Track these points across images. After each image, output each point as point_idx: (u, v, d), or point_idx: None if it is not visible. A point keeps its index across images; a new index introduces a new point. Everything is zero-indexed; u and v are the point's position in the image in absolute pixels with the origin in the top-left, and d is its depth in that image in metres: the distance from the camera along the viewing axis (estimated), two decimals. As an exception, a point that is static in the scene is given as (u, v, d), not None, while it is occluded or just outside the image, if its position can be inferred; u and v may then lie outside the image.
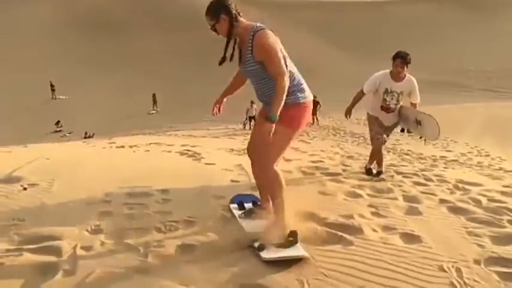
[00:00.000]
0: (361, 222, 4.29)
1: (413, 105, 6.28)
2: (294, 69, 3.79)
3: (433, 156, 16.05)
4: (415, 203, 5.12)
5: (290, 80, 3.62)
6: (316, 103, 22.62)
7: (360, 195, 5.34)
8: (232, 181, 5.95)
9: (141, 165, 7.22)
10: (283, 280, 3.13)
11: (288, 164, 8.17)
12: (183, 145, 15.27)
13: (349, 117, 6.58)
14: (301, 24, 44.12)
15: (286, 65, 3.59)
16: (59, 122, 27.78)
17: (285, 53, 3.70)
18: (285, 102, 3.47)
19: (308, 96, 3.76)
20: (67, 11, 42.08)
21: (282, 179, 3.73)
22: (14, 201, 4.72)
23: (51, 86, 31.87)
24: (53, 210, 4.47)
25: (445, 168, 10.09)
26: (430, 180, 6.62)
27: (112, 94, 32.90)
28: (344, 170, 7.28)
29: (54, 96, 32.04)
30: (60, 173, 5.96)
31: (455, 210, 4.93)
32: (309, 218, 4.35)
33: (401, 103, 6.30)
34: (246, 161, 7.61)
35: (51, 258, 3.44)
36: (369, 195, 5.43)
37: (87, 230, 3.98)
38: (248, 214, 4.22)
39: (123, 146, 13.50)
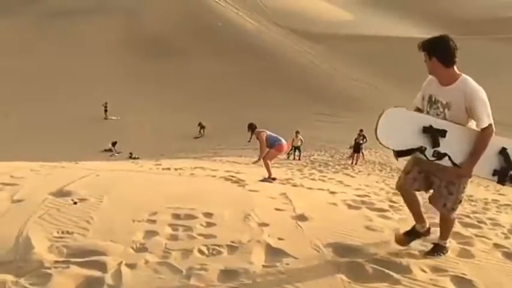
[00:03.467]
0: (410, 262, 4.09)
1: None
2: None
3: (484, 199, 15.32)
4: (468, 245, 4.85)
5: None
6: (362, 137, 22.31)
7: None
8: (276, 209, 5.87)
9: (186, 187, 7.29)
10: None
11: (333, 196, 8.04)
12: (227, 171, 15.39)
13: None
14: (351, 56, 44.18)
15: None
16: (115, 143, 28.83)
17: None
18: None
19: None
20: (128, 33, 44.15)
21: None
22: (64, 214, 4.86)
23: (105, 106, 33.32)
24: (100, 225, 4.56)
25: (498, 212, 9.59)
26: (483, 223, 6.29)
27: (162, 116, 33.88)
28: (391, 206, 7.05)
29: (106, 117, 33.40)
30: (109, 190, 6.11)
31: (511, 256, 4.63)
32: (356, 252, 4.20)
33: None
34: (291, 191, 7.56)
35: (97, 273, 3.48)
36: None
37: (133, 248, 4.02)
38: None
39: (168, 168, 13.78)
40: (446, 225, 4.19)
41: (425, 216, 4.36)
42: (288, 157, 23.13)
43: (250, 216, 5.23)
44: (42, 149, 25.53)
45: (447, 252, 4.24)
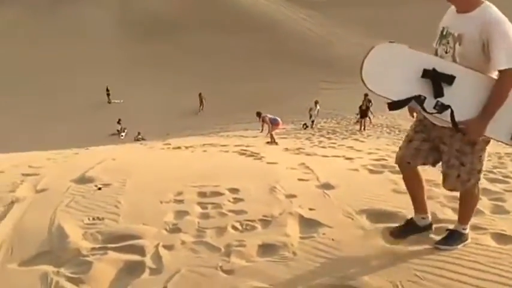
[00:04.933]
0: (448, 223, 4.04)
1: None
2: None
3: (497, 153, 15.26)
4: (500, 201, 4.81)
5: None
6: (368, 101, 22.12)
7: (438, 195, 5.05)
8: (299, 180, 5.83)
9: (205, 165, 7.25)
10: (375, 282, 2.98)
11: (351, 162, 7.98)
12: (237, 145, 15.36)
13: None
14: (349, 22, 43.45)
15: None
16: (119, 120, 28.85)
17: None
18: None
19: None
20: (123, 14, 43.55)
21: None
22: (91, 200, 4.83)
23: (107, 90, 33.17)
24: (129, 209, 4.53)
25: (515, 165, 9.52)
26: (508, 177, 6.25)
27: (164, 95, 33.72)
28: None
29: (109, 101, 33.28)
30: (129, 173, 6.07)
31: (545, 208, 4.58)
32: (390, 216, 4.16)
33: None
34: (308, 160, 7.50)
35: (136, 257, 3.46)
36: (446, 196, 5.11)
37: (166, 229, 3.99)
38: None
39: (179, 147, 13.73)
40: (466, 205, 3.33)
41: (428, 206, 3.52)
42: (305, 128, 22.92)
43: (276, 189, 5.19)
44: (50, 137, 25.52)
45: (466, 240, 3.43)
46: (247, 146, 13.23)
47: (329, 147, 16.16)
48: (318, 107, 23.03)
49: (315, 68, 38.22)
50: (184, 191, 5.11)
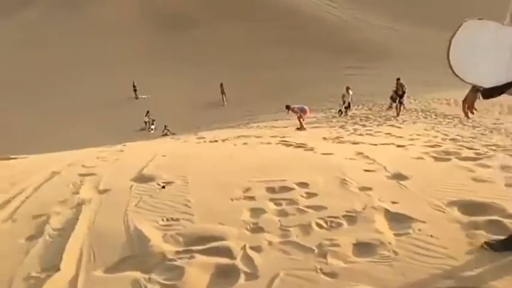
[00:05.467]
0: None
1: None
2: None
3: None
4: None
5: None
6: (401, 86, 21.53)
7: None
8: (366, 170, 5.57)
9: (259, 158, 7.05)
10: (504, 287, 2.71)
11: (406, 150, 7.68)
12: (273, 136, 15.13)
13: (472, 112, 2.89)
14: (371, 5, 42.56)
15: None
16: (148, 112, 28.99)
17: None
18: None
19: None
20: (144, 9, 43.66)
21: None
22: (159, 200, 4.67)
23: (134, 86, 33.29)
24: (201, 208, 4.35)
25: None
26: None
27: (188, 88, 33.76)
28: (478, 154, 6.65)
29: (136, 96, 33.42)
30: (186, 170, 5.91)
31: None
32: (484, 208, 3.87)
33: None
34: (365, 150, 7.22)
35: (225, 260, 3.27)
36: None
37: (247, 229, 3.80)
38: None
39: (216, 141, 13.58)
40: None
41: None
42: (340, 114, 22.53)
43: (346, 182, 4.95)
44: (82, 136, 25.77)
45: None
46: (283, 137, 13.03)
47: (367, 134, 15.80)
48: (351, 93, 22.53)
49: (338, 53, 37.61)
50: (252, 187, 4.91)
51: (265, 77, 34.68)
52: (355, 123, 20.48)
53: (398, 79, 22.53)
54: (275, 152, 7.82)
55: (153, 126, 30.20)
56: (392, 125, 19.20)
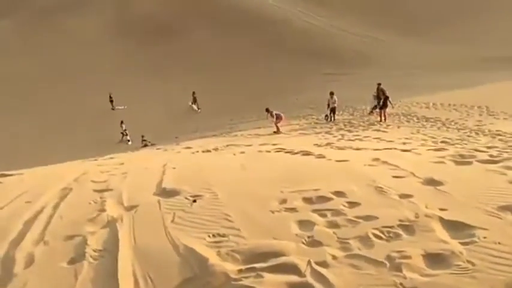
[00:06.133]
0: None
1: None
2: None
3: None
4: None
5: None
6: (382, 91, 21.69)
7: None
8: (395, 177, 5.49)
9: (277, 167, 6.87)
10: None
11: (419, 155, 7.68)
12: (262, 144, 14.97)
13: None
14: (346, 12, 43.19)
15: None
16: (122, 122, 28.25)
17: None
18: None
19: None
20: (120, 19, 42.95)
21: None
22: (195, 215, 4.46)
23: (110, 97, 32.55)
24: (244, 222, 4.17)
25: None
26: None
27: (168, 98, 33.23)
28: (492, 156, 6.69)
29: (113, 107, 32.65)
30: (208, 181, 5.71)
31: None
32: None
33: None
34: (380, 155, 7.17)
35: (295, 278, 3.12)
36: None
37: (303, 243, 3.64)
38: None
39: (209, 150, 13.34)
40: None
41: None
42: (327, 120, 22.52)
43: (382, 189, 4.86)
44: (59, 147, 24.94)
45: None
46: (277, 144, 12.90)
47: (356, 139, 15.83)
48: (336, 98, 22.58)
49: (316, 61, 37.87)
50: (287, 198, 4.76)
51: (243, 86, 34.61)
52: (340, 129, 20.52)
53: (379, 84, 22.71)
54: (288, 161, 7.67)
55: (128, 137, 29.46)
56: (377, 130, 19.33)
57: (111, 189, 5.72)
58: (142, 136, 28.21)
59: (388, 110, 22.85)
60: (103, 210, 4.76)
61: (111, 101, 32.70)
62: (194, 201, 4.89)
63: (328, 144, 13.85)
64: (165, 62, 38.51)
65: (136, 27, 41.83)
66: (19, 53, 39.12)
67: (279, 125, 19.82)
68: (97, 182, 6.35)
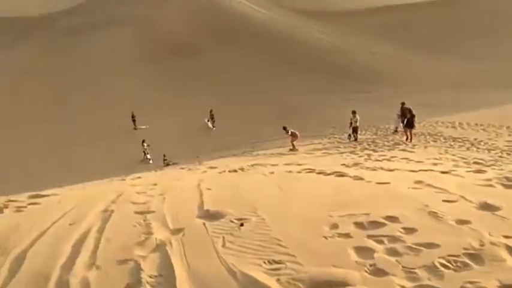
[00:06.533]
0: None
1: None
2: None
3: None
4: None
5: None
6: (409, 110, 21.45)
7: None
8: (446, 201, 5.30)
9: (314, 190, 6.74)
10: None
11: (462, 177, 7.46)
12: (287, 164, 14.83)
13: None
14: (361, 29, 43.23)
15: None
16: (144, 141, 28.37)
17: None
18: None
19: None
20: (142, 40, 43.77)
21: None
22: (245, 239, 4.35)
23: (133, 117, 32.80)
24: (298, 248, 4.05)
25: None
26: None
27: (188, 117, 33.38)
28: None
29: (135, 127, 32.86)
30: (250, 204, 5.60)
31: None
32: None
33: None
34: (423, 178, 6.98)
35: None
36: None
37: (367, 271, 3.50)
38: None
39: (235, 170, 13.25)
40: None
41: None
42: (350, 139, 22.32)
43: (437, 214, 4.69)
44: (83, 165, 25.16)
45: None
46: (303, 164, 12.77)
47: (383, 159, 15.60)
48: (358, 117, 22.39)
49: (335, 79, 37.80)
50: (337, 223, 4.62)
51: (263, 104, 34.62)
52: (365, 149, 20.27)
53: (402, 103, 22.46)
54: (327, 183, 7.52)
55: (149, 156, 29.54)
56: (404, 150, 19.04)
57: (153, 211, 5.65)
58: (164, 155, 28.29)
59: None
60: (150, 233, 4.68)
61: (134, 121, 32.93)
62: (241, 224, 4.78)
63: (355, 164, 13.66)
64: (186, 80, 38.90)
65: (159, 47, 42.47)
66: (46, 73, 39.98)
67: (294, 142, 20.35)
68: (137, 203, 6.29)
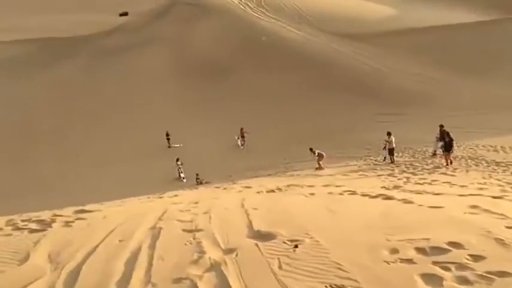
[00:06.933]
0: None
1: None
2: None
3: None
4: None
5: None
6: (447, 133, 20.90)
7: None
8: (508, 227, 5.02)
9: (365, 212, 6.54)
10: None
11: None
12: (325, 185, 14.61)
13: None
14: (400, 51, 42.80)
15: None
16: (178, 159, 28.57)
17: None
18: None
19: None
20: (178, 60, 44.64)
21: None
22: (301, 262, 4.21)
23: (167, 135, 33.25)
24: (359, 272, 3.87)
25: None
26: None
27: (221, 137, 33.55)
28: None
29: (169, 145, 33.30)
30: (302, 225, 5.48)
31: None
32: None
33: None
34: (478, 202, 6.68)
35: None
36: None
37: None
38: None
39: (273, 190, 13.15)
40: None
41: None
42: (385, 161, 21.98)
43: (504, 242, 4.43)
44: (116, 183, 25.57)
45: None
46: (338, 186, 12.61)
47: (424, 183, 15.20)
48: (392, 138, 22.05)
49: (370, 100, 37.33)
50: (397, 247, 4.43)
51: (293, 124, 34.52)
52: (403, 171, 19.84)
53: (441, 126, 21.95)
54: (375, 205, 7.31)
55: (183, 175, 29.73)
56: (444, 173, 18.52)
57: (201, 230, 5.58)
58: (197, 174, 28.43)
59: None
60: (202, 252, 4.60)
61: (168, 139, 33.40)
62: (296, 246, 4.64)
63: (396, 187, 13.39)
64: (220, 100, 39.23)
65: (193, 67, 43.13)
66: (85, 91, 41.18)
67: (320, 162, 21.40)
68: (183, 221, 6.25)
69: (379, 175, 19.73)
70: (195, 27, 47.93)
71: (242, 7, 49.75)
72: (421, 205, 6.85)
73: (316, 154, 22.09)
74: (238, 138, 33.33)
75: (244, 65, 42.34)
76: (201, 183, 27.29)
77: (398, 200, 7.68)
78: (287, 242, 4.80)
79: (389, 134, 22.69)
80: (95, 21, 58.57)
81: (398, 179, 17.40)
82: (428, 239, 4.57)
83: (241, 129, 33.59)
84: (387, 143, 22.05)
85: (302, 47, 44.28)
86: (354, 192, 9.61)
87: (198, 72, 42.17)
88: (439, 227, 5.12)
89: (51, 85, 42.82)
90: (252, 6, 50.29)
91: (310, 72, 41.11)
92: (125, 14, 58.22)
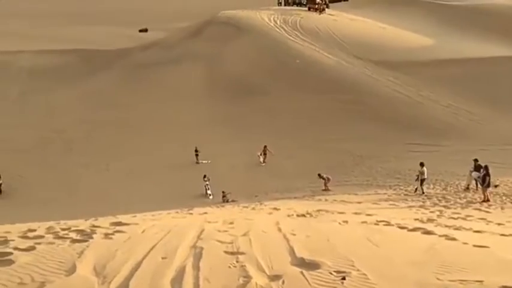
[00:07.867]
0: None
1: None
2: None
3: None
4: None
5: None
6: (484, 167, 20.41)
7: None
8: None
9: (406, 247, 6.39)
10: None
11: None
12: (356, 213, 14.44)
13: None
14: (436, 81, 42.32)
15: None
16: (205, 176, 28.74)
17: None
18: None
19: None
20: (211, 78, 45.28)
21: None
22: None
23: (196, 151, 33.53)
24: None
25: None
26: None
27: (250, 156, 33.61)
28: None
29: (197, 161, 33.56)
30: (345, 255, 5.38)
31: None
32: None
33: None
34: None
35: None
36: None
37: None
38: None
39: (303, 215, 13.10)
40: None
41: None
42: (416, 191, 21.68)
43: None
44: (144, 195, 25.89)
45: None
46: (369, 215, 12.43)
47: (458, 218, 14.87)
48: (425, 169, 21.77)
49: (401, 129, 36.86)
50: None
51: (327, 149, 34.29)
52: (435, 204, 19.47)
53: (475, 160, 21.52)
54: (416, 240, 7.15)
55: (209, 192, 29.83)
56: (479, 209, 18.11)
57: (243, 253, 5.55)
58: (223, 192, 28.46)
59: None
60: (248, 277, 4.56)
61: (197, 155, 33.68)
62: (343, 278, 4.56)
63: (430, 220, 13.17)
64: (250, 119, 39.46)
65: (226, 85, 43.62)
66: (116, 103, 42.07)
67: (328, 185, 23.99)
68: (223, 242, 6.22)
69: (410, 206, 19.47)
70: (229, 47, 48.58)
71: (278, 30, 50.34)
72: (465, 243, 6.66)
73: (325, 178, 24.40)
74: (260, 154, 33.26)
75: (276, 87, 42.62)
76: (227, 201, 27.32)
77: (440, 236, 7.49)
78: (333, 273, 4.72)
79: (422, 164, 22.39)
80: (131, 35, 60.49)
81: (431, 212, 17.13)
82: (481, 282, 4.43)
83: (265, 146, 33.60)
84: (420, 174, 21.77)
85: (335, 72, 44.30)
86: (388, 223, 9.44)
87: (230, 91, 42.58)
88: (490, 268, 4.96)
89: (87, 95, 43.96)
90: (287, 29, 50.78)
91: (342, 97, 41.00)
92: (145, 30, 60.23)
